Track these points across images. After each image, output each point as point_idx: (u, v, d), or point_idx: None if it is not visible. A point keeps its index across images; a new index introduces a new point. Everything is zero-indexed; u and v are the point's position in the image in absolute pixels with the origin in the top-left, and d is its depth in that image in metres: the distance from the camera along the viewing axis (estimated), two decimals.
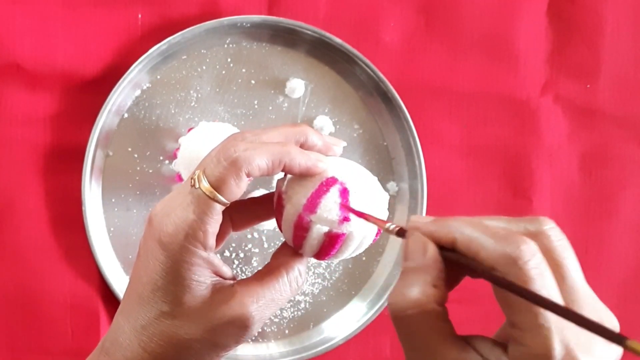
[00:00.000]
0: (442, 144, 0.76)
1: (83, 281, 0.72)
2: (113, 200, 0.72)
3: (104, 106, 0.70)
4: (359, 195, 0.48)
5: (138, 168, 0.72)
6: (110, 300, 0.72)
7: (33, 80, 0.72)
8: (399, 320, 0.39)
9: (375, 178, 0.50)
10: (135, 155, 0.72)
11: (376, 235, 0.50)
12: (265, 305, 0.48)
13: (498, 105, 0.76)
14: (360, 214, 0.47)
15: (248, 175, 0.46)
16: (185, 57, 0.73)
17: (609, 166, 0.78)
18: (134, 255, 0.72)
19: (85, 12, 0.72)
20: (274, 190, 0.51)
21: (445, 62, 0.76)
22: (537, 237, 0.39)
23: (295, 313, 0.74)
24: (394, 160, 0.75)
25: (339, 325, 0.74)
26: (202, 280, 0.47)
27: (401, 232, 0.44)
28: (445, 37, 0.76)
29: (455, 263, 0.40)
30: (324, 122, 0.73)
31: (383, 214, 0.49)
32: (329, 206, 0.47)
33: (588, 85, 0.77)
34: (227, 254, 0.73)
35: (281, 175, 0.50)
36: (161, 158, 0.72)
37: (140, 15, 0.73)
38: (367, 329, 0.74)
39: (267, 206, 0.51)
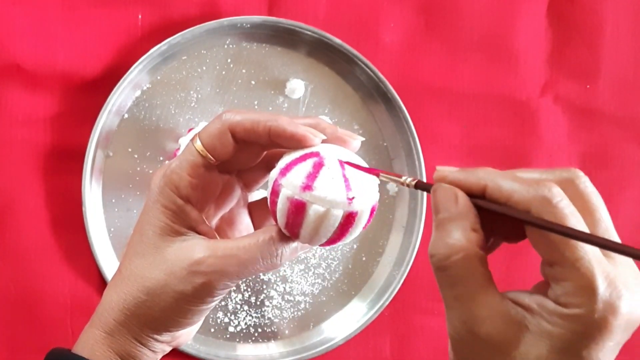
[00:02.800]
0: (442, 144, 0.76)
1: (83, 281, 0.72)
2: (113, 200, 0.72)
3: (104, 106, 0.70)
4: (332, 172, 0.47)
5: (138, 168, 0.72)
6: None
7: (33, 81, 0.72)
8: (443, 269, 0.40)
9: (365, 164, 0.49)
10: (136, 156, 0.72)
11: (349, 221, 0.47)
12: (228, 259, 0.47)
13: (498, 106, 0.76)
14: (370, 170, 0.47)
15: (234, 134, 0.47)
16: (185, 57, 0.73)
17: (609, 166, 0.78)
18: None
19: (85, 13, 0.72)
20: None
21: (445, 62, 0.76)
22: (571, 183, 0.40)
23: (295, 313, 0.74)
24: (394, 161, 0.75)
25: (339, 325, 0.74)
26: (172, 225, 0.48)
27: (421, 185, 0.45)
28: (445, 37, 0.76)
29: (486, 210, 0.41)
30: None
31: (373, 197, 0.48)
32: (299, 172, 0.46)
33: (588, 86, 0.77)
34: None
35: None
36: (161, 158, 0.72)
37: (140, 16, 0.73)
38: (367, 329, 0.74)
39: (274, 161, 0.51)
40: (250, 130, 0.47)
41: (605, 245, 0.37)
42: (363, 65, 0.73)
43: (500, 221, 0.42)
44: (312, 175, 0.46)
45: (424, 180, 0.74)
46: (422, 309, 0.76)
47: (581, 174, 0.41)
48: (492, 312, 0.39)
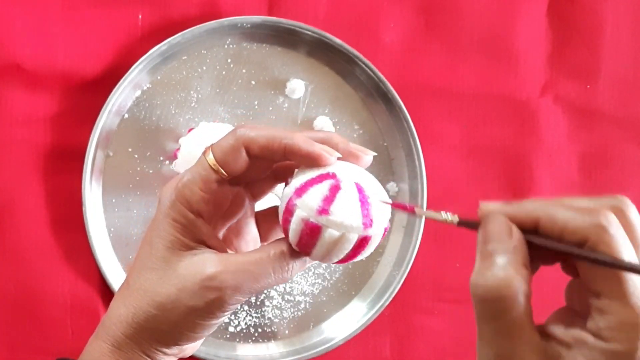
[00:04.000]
0: (442, 144, 0.76)
1: (83, 281, 0.72)
2: (113, 200, 0.72)
3: (104, 106, 0.70)
4: (349, 196, 0.47)
5: (138, 168, 0.72)
6: (110, 300, 0.72)
7: (33, 81, 0.72)
8: (487, 302, 0.39)
9: (385, 193, 0.49)
10: (136, 156, 0.72)
11: (362, 244, 0.48)
12: (242, 274, 0.47)
13: (498, 106, 0.76)
14: (404, 207, 0.47)
15: (248, 151, 0.47)
16: (185, 57, 0.73)
17: (609, 166, 0.78)
18: (134, 256, 0.72)
19: (85, 13, 0.72)
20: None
21: (445, 62, 0.76)
22: (623, 211, 0.40)
23: (295, 313, 0.74)
24: (394, 161, 0.75)
25: (339, 325, 0.74)
26: (183, 239, 0.48)
27: (464, 222, 0.44)
28: (445, 37, 0.76)
29: (537, 247, 0.40)
30: (324, 122, 0.73)
31: (386, 220, 0.48)
32: (315, 195, 0.46)
33: (588, 86, 0.77)
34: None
35: None
36: (161, 158, 0.72)
37: (140, 16, 0.73)
38: (367, 329, 0.74)
39: (282, 172, 0.51)
40: (265, 148, 0.47)
41: None
42: (363, 65, 0.73)
43: (544, 249, 0.41)
44: (329, 199, 0.46)
45: (424, 181, 0.74)
46: (422, 309, 0.76)
47: (629, 202, 0.41)
48: (532, 350, 0.39)
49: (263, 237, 0.54)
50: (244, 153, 0.47)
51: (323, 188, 0.46)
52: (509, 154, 0.77)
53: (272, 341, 0.73)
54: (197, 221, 0.48)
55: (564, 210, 0.39)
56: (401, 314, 0.75)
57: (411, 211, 0.48)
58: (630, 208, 0.40)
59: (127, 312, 0.48)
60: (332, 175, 0.47)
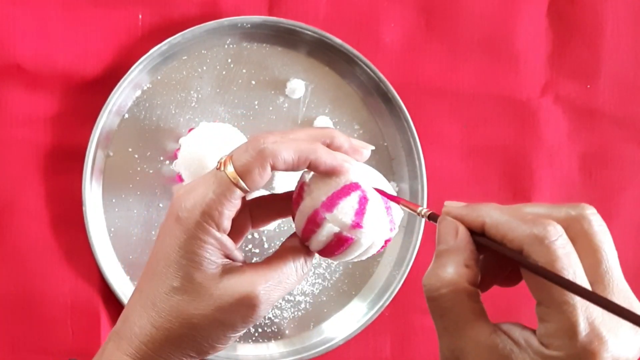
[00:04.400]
0: (442, 144, 0.76)
1: (83, 281, 0.72)
2: (113, 200, 0.72)
3: (104, 106, 0.70)
4: (376, 206, 0.49)
5: (138, 168, 0.72)
6: (111, 300, 0.72)
7: (33, 80, 0.72)
8: (432, 300, 0.41)
9: (395, 193, 0.51)
10: (136, 156, 0.72)
11: (384, 245, 0.51)
12: (272, 286, 0.49)
13: (498, 106, 0.76)
14: (393, 198, 0.49)
15: (273, 167, 0.47)
16: (185, 57, 0.73)
17: (609, 166, 0.78)
18: (134, 256, 0.72)
19: (85, 12, 0.72)
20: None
21: (445, 62, 0.76)
22: (579, 221, 0.41)
23: (295, 313, 0.74)
24: (394, 161, 0.75)
25: (339, 325, 0.74)
26: (213, 259, 0.48)
27: (433, 217, 0.46)
28: (445, 37, 0.76)
29: (484, 247, 0.42)
30: (324, 122, 0.73)
31: (399, 221, 0.51)
32: (346, 209, 0.48)
33: (588, 86, 0.77)
34: (245, 258, 0.72)
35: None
36: (162, 158, 0.72)
37: (140, 16, 0.73)
38: (367, 329, 0.74)
39: (288, 203, 0.52)
40: (291, 164, 0.47)
41: (586, 296, 0.37)
42: (363, 65, 0.73)
43: (500, 260, 0.43)
44: (360, 212, 0.48)
45: (424, 181, 0.74)
46: (422, 309, 0.75)
47: (589, 211, 0.41)
48: (478, 345, 0.40)
49: (255, 223, 0.54)
50: (269, 170, 0.47)
51: (352, 201, 0.48)
52: (509, 154, 0.77)
53: (272, 341, 0.73)
54: (224, 239, 0.48)
55: (507, 217, 0.41)
56: (401, 314, 0.75)
57: (397, 202, 0.50)
58: (587, 218, 0.41)
59: (157, 332, 0.48)
60: (357, 186, 0.49)
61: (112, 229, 0.72)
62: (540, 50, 0.77)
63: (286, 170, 0.48)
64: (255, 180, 0.47)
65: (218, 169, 0.48)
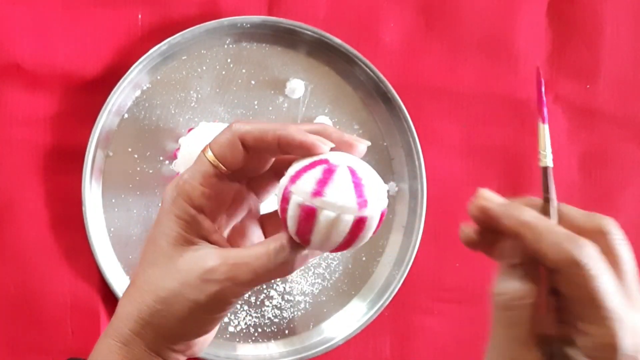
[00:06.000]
0: (442, 144, 0.76)
1: (83, 281, 0.72)
2: (113, 200, 0.72)
3: (104, 106, 0.70)
4: (343, 179, 0.47)
5: (138, 168, 0.72)
6: (110, 300, 0.72)
7: (33, 80, 0.72)
8: (508, 309, 0.43)
9: (379, 178, 0.49)
10: (136, 156, 0.72)
11: (360, 226, 0.48)
12: (238, 265, 0.47)
13: (498, 105, 0.76)
14: None
15: (242, 141, 0.48)
16: (185, 57, 0.73)
17: (609, 166, 0.78)
18: (134, 255, 0.72)
19: (85, 12, 0.72)
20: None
21: (445, 62, 0.76)
22: (605, 235, 0.44)
23: (295, 313, 0.74)
24: (394, 161, 0.75)
25: (339, 325, 0.74)
26: (184, 234, 0.48)
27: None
28: (445, 37, 0.76)
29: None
30: (324, 122, 0.73)
31: (382, 202, 0.48)
32: (308, 179, 0.47)
33: (588, 86, 0.77)
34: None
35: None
36: (161, 158, 0.72)
37: (140, 16, 0.73)
38: (367, 329, 0.74)
39: (282, 167, 0.51)
40: (259, 139, 0.48)
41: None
42: (363, 65, 0.73)
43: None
44: (322, 182, 0.47)
45: (424, 181, 0.74)
46: (422, 309, 0.76)
47: (615, 226, 0.45)
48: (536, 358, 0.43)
49: (260, 194, 0.54)
50: (240, 146, 0.48)
51: (316, 172, 0.47)
52: (509, 154, 0.76)
53: (272, 341, 0.74)
54: (198, 216, 0.49)
55: (546, 233, 0.42)
56: (401, 314, 0.75)
57: None
58: (617, 233, 0.45)
59: (132, 309, 0.49)
60: (325, 161, 0.48)
61: (112, 229, 0.72)
62: (540, 50, 0.77)
63: (258, 147, 0.48)
64: (228, 158, 0.48)
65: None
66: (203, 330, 0.50)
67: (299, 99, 0.74)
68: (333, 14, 0.74)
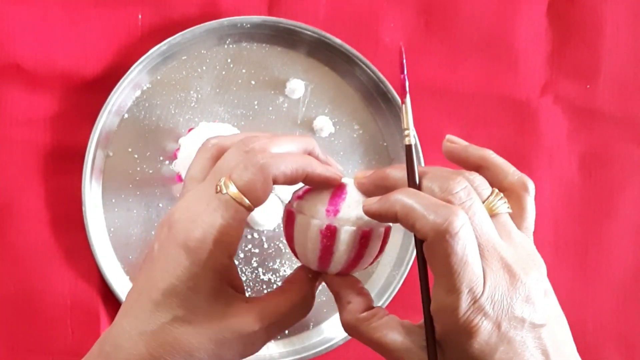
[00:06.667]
0: (442, 144, 0.76)
1: (83, 281, 0.72)
2: (113, 200, 0.72)
3: (104, 106, 0.70)
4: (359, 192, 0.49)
5: (138, 168, 0.72)
6: (110, 300, 0.72)
7: (33, 80, 0.72)
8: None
9: None
10: (136, 156, 0.72)
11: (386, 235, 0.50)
12: (275, 325, 0.49)
13: (498, 106, 0.76)
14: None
15: (274, 182, 0.47)
16: (185, 57, 0.73)
17: (609, 166, 0.78)
18: (134, 256, 0.72)
19: (85, 12, 0.72)
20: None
21: (445, 62, 0.76)
22: (518, 186, 0.49)
23: None
24: (394, 161, 0.75)
25: (338, 325, 0.74)
26: (221, 289, 0.47)
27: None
28: (445, 37, 0.76)
29: None
30: (324, 122, 0.73)
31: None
32: (350, 204, 0.48)
33: (588, 86, 0.77)
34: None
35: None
36: (161, 158, 0.72)
37: (140, 16, 0.73)
38: None
39: None
40: (290, 178, 0.47)
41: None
42: (363, 65, 0.73)
43: None
44: (334, 201, 0.49)
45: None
46: (422, 309, 0.75)
47: (529, 182, 0.49)
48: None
49: None
50: (271, 183, 0.47)
51: (352, 195, 0.49)
52: (509, 154, 0.76)
53: (272, 341, 0.73)
54: (233, 267, 0.48)
55: (416, 206, 0.44)
56: (401, 314, 0.75)
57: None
58: (524, 178, 0.50)
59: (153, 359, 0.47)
60: (343, 184, 0.50)
61: (112, 229, 0.72)
62: (540, 50, 0.77)
63: (284, 183, 0.48)
64: (260, 197, 0.46)
65: (219, 191, 0.46)
66: None
67: (299, 99, 0.74)
68: (333, 14, 0.74)
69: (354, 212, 0.48)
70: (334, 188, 0.49)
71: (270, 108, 0.74)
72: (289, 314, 0.49)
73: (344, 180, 0.50)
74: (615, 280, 0.77)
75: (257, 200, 0.46)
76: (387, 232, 0.50)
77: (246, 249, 0.73)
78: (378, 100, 0.74)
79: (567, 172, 0.77)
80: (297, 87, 0.73)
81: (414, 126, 0.73)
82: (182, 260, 0.46)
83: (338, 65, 0.74)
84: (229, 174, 0.47)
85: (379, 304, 0.73)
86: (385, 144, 0.75)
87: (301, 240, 0.49)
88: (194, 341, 0.46)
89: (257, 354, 0.72)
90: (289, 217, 0.50)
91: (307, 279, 0.51)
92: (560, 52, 0.77)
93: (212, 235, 0.46)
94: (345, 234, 0.48)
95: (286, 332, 0.74)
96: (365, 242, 0.48)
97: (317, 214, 0.48)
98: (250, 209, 0.47)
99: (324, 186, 0.49)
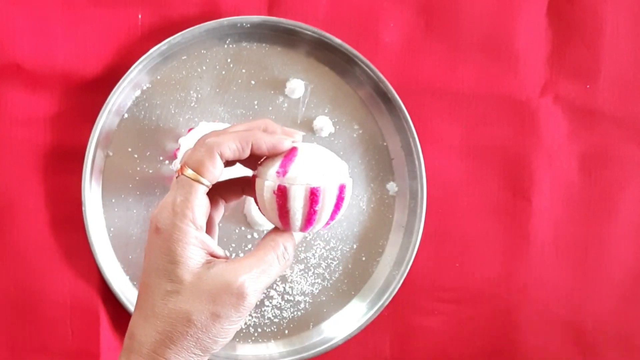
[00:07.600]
0: (441, 145, 0.76)
1: (83, 281, 0.72)
2: (113, 200, 0.72)
3: (104, 106, 0.70)
4: (310, 154, 0.53)
5: (138, 168, 0.72)
6: (110, 300, 0.72)
7: (33, 80, 0.72)
8: None
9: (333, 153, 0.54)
10: (135, 156, 0.72)
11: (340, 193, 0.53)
12: (256, 274, 0.52)
13: (498, 106, 0.76)
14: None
15: (222, 157, 0.52)
16: (185, 57, 0.73)
17: (609, 166, 0.78)
18: (134, 256, 0.72)
19: (85, 12, 0.72)
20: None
21: (445, 62, 0.76)
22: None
23: (295, 313, 0.74)
24: (394, 161, 0.75)
25: (338, 325, 0.74)
26: (197, 257, 0.51)
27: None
28: (445, 37, 0.76)
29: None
30: (323, 122, 0.73)
31: (341, 177, 0.53)
32: (298, 165, 0.52)
33: (588, 86, 0.77)
34: (227, 254, 0.73)
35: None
36: (161, 158, 0.72)
37: (140, 16, 0.73)
38: (367, 329, 0.74)
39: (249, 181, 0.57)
40: (236, 150, 0.52)
41: None
42: (363, 65, 0.73)
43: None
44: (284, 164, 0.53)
45: (424, 181, 0.74)
46: (422, 309, 0.76)
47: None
48: None
49: (228, 200, 0.59)
50: (219, 160, 0.52)
51: (300, 158, 0.53)
52: (509, 154, 0.76)
53: (272, 341, 0.74)
54: (203, 236, 0.52)
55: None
56: (401, 314, 0.75)
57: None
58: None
59: (161, 337, 0.51)
60: (294, 148, 0.53)
61: (112, 229, 0.72)
62: (540, 50, 0.77)
63: (235, 158, 0.53)
64: (211, 172, 0.52)
65: (177, 176, 0.52)
66: (227, 340, 0.53)
67: (299, 99, 0.74)
68: (333, 14, 0.74)
69: (302, 172, 0.52)
70: (286, 152, 0.53)
71: (270, 108, 0.74)
72: (267, 261, 0.53)
73: (296, 144, 0.53)
74: (615, 280, 0.77)
75: (210, 174, 0.52)
76: (342, 189, 0.53)
77: (246, 248, 0.73)
78: (378, 100, 0.74)
79: (567, 172, 0.77)
80: (297, 87, 0.73)
81: (414, 126, 0.74)
82: (157, 241, 0.52)
83: (338, 65, 0.74)
84: (183, 159, 0.53)
85: (379, 304, 0.73)
86: (385, 143, 0.75)
87: (262, 203, 0.54)
88: (186, 307, 0.50)
89: (257, 353, 0.73)
90: (252, 184, 0.54)
91: (278, 234, 0.55)
92: (560, 52, 0.77)
93: (173, 212, 0.51)
94: (295, 192, 0.51)
95: (286, 332, 0.74)
96: (314, 199, 0.52)
97: (270, 177, 0.52)
98: (206, 185, 0.52)
99: (276, 152, 0.53)
